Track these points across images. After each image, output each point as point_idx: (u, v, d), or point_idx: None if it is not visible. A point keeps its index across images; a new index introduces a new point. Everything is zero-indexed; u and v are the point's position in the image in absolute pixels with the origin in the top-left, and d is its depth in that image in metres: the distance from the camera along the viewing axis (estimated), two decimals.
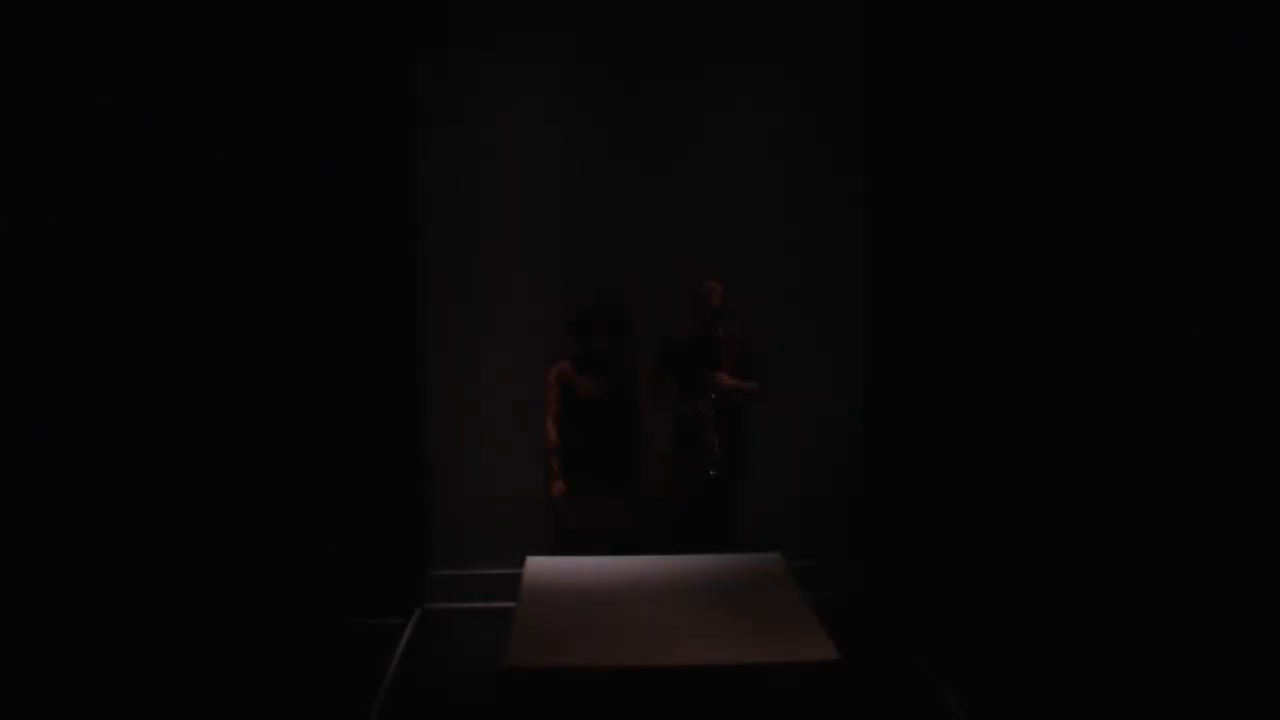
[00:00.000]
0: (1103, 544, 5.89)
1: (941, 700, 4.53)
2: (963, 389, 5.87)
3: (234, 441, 5.67)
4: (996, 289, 5.84)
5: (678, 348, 5.23)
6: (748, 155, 5.65)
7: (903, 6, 5.67)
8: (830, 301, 5.74)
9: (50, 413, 5.51)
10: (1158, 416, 5.89)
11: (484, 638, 5.04)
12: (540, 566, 4.95)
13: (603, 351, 5.14)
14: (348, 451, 5.70)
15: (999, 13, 5.69)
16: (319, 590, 5.61)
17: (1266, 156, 5.72)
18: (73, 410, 5.54)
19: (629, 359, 5.20)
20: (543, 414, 5.20)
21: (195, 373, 5.62)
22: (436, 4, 5.54)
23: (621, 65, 5.59)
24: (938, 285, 5.84)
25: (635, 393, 5.22)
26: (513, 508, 5.55)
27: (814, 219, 5.68)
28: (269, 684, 4.71)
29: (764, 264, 5.65)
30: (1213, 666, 4.83)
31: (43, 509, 5.41)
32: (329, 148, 5.57)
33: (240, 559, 5.67)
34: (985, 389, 5.87)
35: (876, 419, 5.80)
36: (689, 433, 5.19)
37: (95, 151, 5.50)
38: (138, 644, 5.07)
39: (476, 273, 5.61)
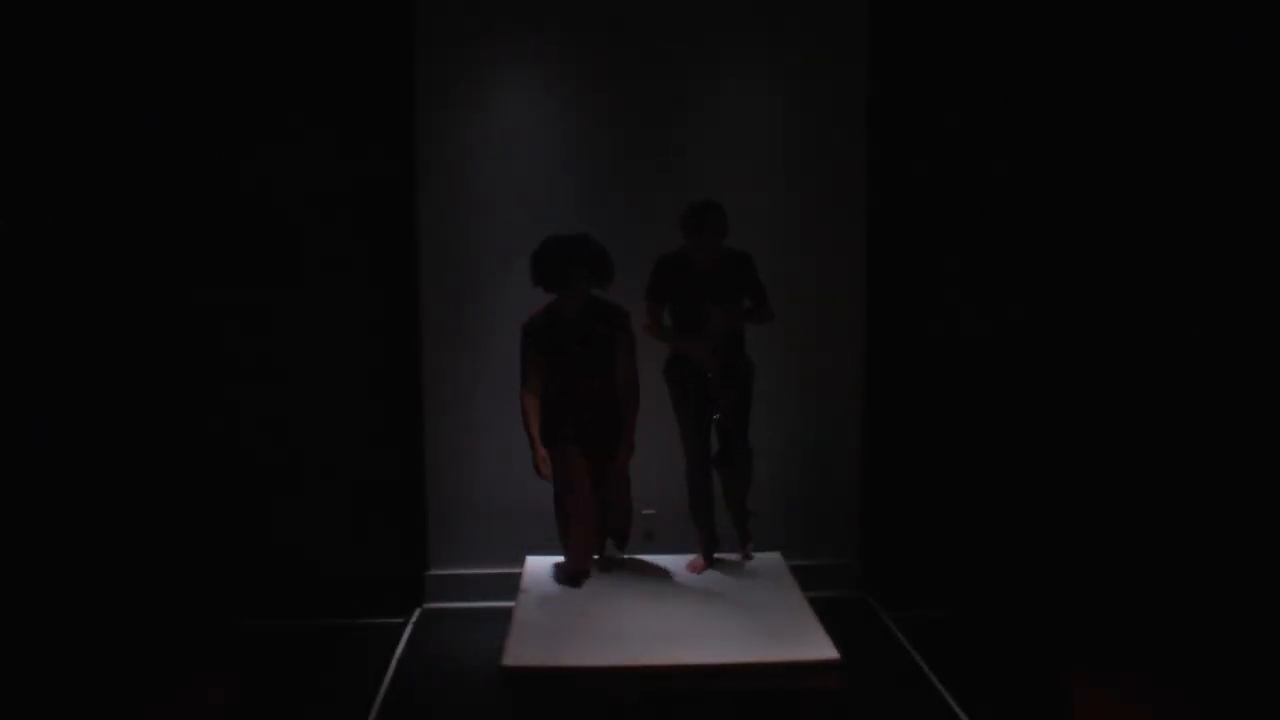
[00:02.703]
0: (1103, 543, 5.89)
1: (941, 700, 4.53)
2: (963, 388, 5.87)
3: (234, 441, 5.67)
4: (998, 288, 5.84)
5: (670, 275, 4.71)
6: (748, 153, 5.64)
7: (907, 5, 5.68)
8: (832, 300, 5.72)
9: (49, 412, 5.51)
10: (1157, 417, 5.88)
11: (484, 638, 5.03)
12: (540, 566, 4.95)
13: (580, 298, 4.58)
14: (348, 451, 5.71)
15: (1001, 10, 5.70)
16: (319, 590, 5.61)
17: (1265, 161, 5.72)
18: (75, 408, 5.54)
19: (607, 317, 4.66)
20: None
21: (195, 373, 5.62)
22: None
23: (622, 64, 5.58)
24: (940, 284, 5.84)
25: (618, 346, 4.64)
26: (512, 508, 5.54)
27: (815, 216, 5.66)
28: (269, 683, 4.71)
29: (764, 261, 5.63)
30: (1213, 668, 4.83)
31: (39, 503, 5.43)
32: (328, 147, 5.57)
33: (240, 558, 5.68)
34: (986, 389, 5.87)
35: (877, 419, 5.80)
36: (689, 375, 4.73)
37: (93, 149, 5.50)
38: (136, 643, 5.08)
39: (475, 272, 5.60)
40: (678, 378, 4.83)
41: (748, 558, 4.95)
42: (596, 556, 4.92)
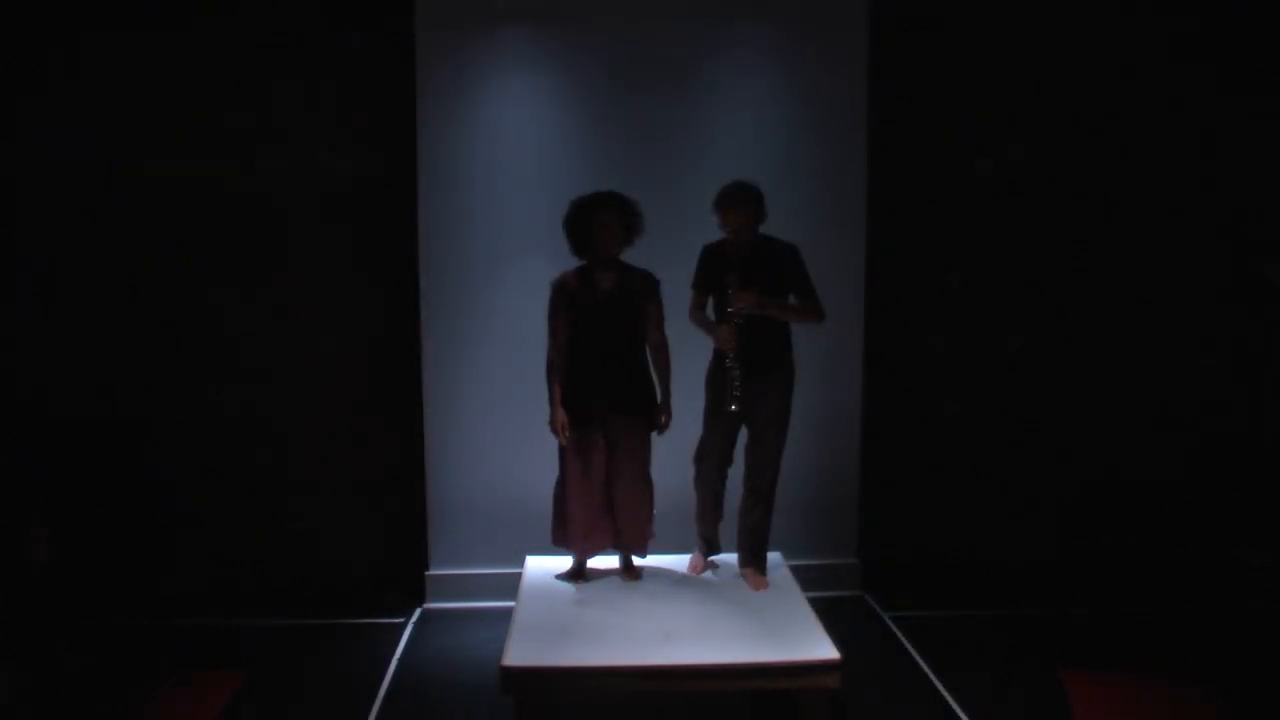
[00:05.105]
0: (1102, 543, 5.89)
1: (941, 700, 4.53)
2: (962, 388, 5.87)
3: (234, 441, 5.67)
4: (996, 290, 5.85)
5: (709, 262, 4.71)
6: (749, 154, 5.63)
7: (908, 6, 5.70)
8: (830, 299, 5.71)
9: (50, 410, 5.52)
10: (1155, 417, 5.88)
11: (484, 638, 5.03)
12: (540, 566, 4.95)
13: (611, 253, 4.59)
14: (347, 451, 5.71)
15: (1004, 11, 5.70)
16: (319, 590, 5.62)
17: (1264, 169, 5.72)
18: (74, 407, 5.54)
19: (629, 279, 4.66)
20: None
21: (195, 372, 5.63)
22: None
23: (623, 64, 5.58)
24: (939, 286, 5.84)
25: (649, 314, 4.66)
26: (512, 508, 5.54)
27: (815, 216, 5.65)
28: (269, 683, 4.71)
29: None
30: (1213, 668, 4.83)
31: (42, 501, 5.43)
32: (328, 147, 5.58)
33: (240, 558, 5.68)
34: (985, 389, 5.87)
35: (876, 418, 5.79)
36: (717, 367, 4.69)
37: (92, 146, 5.51)
38: (137, 643, 5.08)
39: (475, 272, 5.60)
40: (711, 369, 4.77)
41: (763, 587, 4.68)
42: (615, 564, 4.89)
